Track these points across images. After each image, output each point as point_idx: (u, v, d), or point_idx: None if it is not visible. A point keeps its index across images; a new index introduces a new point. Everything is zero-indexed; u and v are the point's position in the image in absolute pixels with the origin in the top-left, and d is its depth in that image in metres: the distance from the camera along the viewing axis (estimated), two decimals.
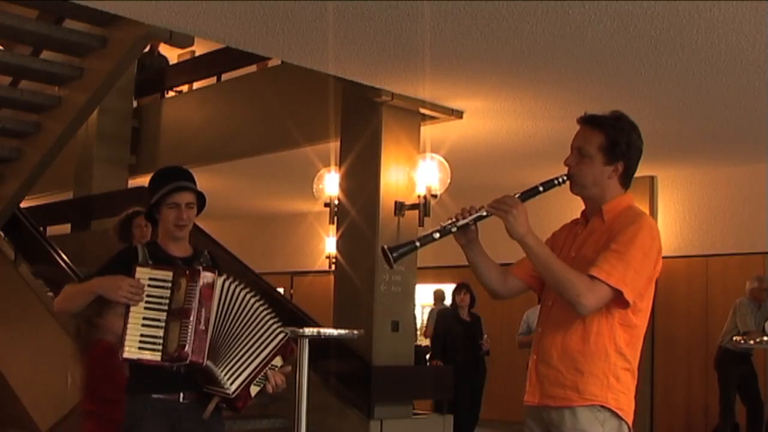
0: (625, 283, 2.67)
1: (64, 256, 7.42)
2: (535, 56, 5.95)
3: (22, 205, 8.47)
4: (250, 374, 3.21)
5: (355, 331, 5.59)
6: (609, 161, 2.82)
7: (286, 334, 3.33)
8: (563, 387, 2.75)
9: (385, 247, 2.75)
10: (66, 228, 10.44)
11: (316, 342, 5.45)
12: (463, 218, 2.80)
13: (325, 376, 6.99)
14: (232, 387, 3.18)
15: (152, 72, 11.57)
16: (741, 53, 5.72)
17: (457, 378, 7.72)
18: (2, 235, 8.38)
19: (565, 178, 2.85)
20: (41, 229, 8.73)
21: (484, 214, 2.79)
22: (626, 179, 2.88)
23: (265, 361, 3.25)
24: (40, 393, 7.20)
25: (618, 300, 2.69)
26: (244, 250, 7.27)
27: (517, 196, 2.79)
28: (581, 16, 5.13)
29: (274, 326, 3.28)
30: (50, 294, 7.70)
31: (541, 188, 2.84)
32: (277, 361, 3.31)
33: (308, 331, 3.96)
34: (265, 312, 3.26)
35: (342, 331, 5.13)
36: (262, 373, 3.26)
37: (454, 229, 2.80)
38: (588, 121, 2.85)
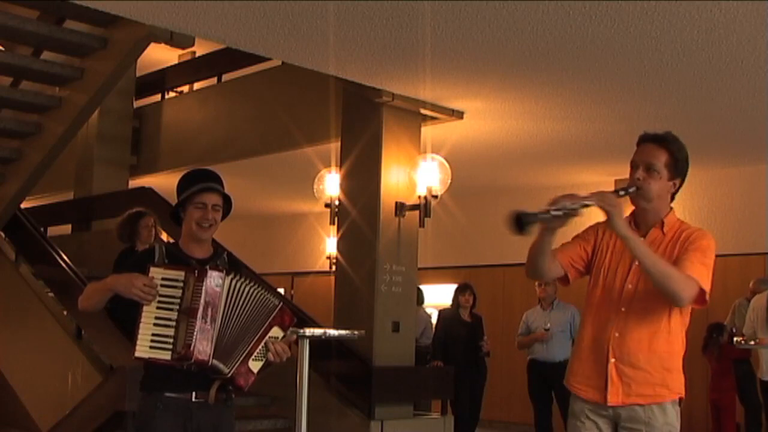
0: (707, 285, 3.03)
1: (65, 257, 7.41)
2: (535, 57, 5.96)
3: (23, 205, 8.46)
4: (242, 350, 3.24)
5: (356, 332, 5.59)
6: (671, 177, 3.11)
7: (278, 303, 3.34)
8: (653, 385, 3.03)
9: (518, 211, 2.81)
10: (66, 228, 10.44)
11: (317, 342, 5.44)
12: (572, 204, 2.93)
13: (325, 376, 6.99)
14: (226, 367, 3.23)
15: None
16: (741, 53, 5.72)
17: (457, 378, 7.71)
18: (3, 235, 8.37)
19: (635, 189, 3.09)
20: (42, 229, 8.72)
21: (590, 203, 2.95)
22: (675, 194, 3.17)
23: (258, 335, 3.28)
24: (40, 393, 7.20)
25: (699, 299, 3.02)
26: (245, 251, 7.24)
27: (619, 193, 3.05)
28: (581, 17, 5.14)
29: (265, 300, 3.30)
30: (51, 294, 7.70)
31: (621, 192, 3.07)
32: (276, 332, 3.33)
33: (309, 331, 3.96)
34: (260, 294, 3.29)
35: (343, 332, 5.12)
36: (258, 348, 3.28)
37: (576, 212, 2.93)
38: (653, 140, 3.12)
